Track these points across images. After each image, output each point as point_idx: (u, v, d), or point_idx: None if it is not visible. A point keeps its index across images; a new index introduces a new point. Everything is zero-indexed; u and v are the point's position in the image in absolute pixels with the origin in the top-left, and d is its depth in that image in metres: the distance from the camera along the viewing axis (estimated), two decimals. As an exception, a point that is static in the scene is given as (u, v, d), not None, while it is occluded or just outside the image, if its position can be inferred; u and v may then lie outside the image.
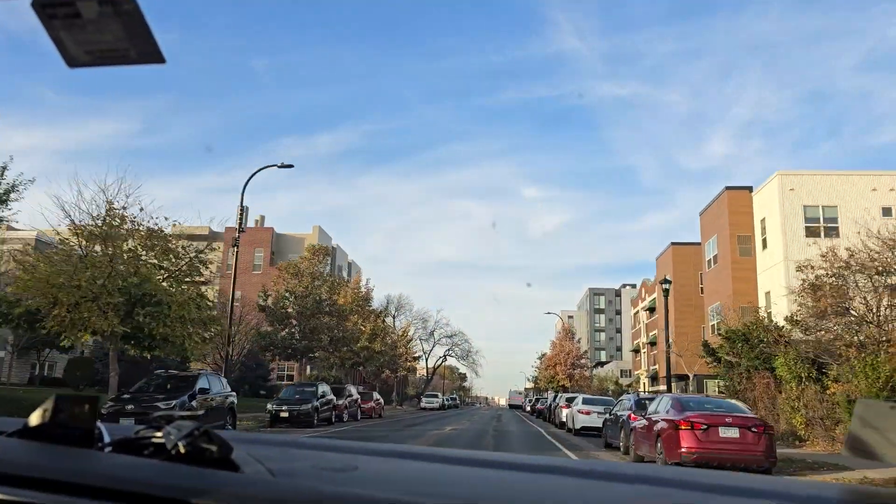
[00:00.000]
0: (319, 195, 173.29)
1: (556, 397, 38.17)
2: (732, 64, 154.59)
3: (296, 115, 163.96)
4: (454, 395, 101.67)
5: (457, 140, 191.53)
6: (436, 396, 69.44)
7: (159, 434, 1.03)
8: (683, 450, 12.99)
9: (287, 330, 45.01)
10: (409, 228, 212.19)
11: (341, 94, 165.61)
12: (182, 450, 0.96)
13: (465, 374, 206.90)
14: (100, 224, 21.23)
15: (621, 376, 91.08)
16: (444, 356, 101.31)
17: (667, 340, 32.62)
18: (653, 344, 63.02)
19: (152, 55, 0.81)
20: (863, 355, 17.85)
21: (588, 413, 26.29)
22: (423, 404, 67.69)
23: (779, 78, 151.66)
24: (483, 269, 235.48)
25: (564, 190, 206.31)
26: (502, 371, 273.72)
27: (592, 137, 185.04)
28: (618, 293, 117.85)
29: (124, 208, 21.81)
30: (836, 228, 32.19)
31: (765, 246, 35.20)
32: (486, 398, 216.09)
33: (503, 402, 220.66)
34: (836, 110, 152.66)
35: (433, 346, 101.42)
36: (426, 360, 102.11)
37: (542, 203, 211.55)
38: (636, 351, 69.53)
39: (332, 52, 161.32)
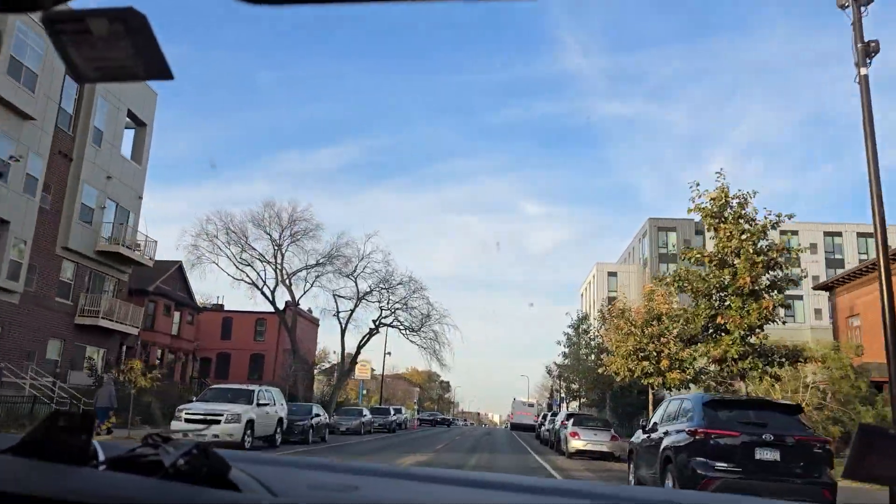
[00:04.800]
0: (319, 209, 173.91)
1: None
2: (736, 85, 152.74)
3: (299, 129, 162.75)
4: (389, 408, 49.87)
5: (459, 156, 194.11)
6: (225, 395, 18.50)
7: (156, 452, 1.01)
8: None
9: None
10: (408, 242, 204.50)
11: (345, 108, 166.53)
12: (179, 468, 0.94)
13: (447, 381, 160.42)
14: None
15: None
16: (377, 324, 50.03)
17: None
18: None
19: (161, 72, 0.81)
20: None
21: None
22: (178, 423, 16.93)
23: (781, 100, 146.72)
24: (480, 284, 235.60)
25: (565, 206, 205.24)
26: (501, 387, 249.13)
27: (595, 155, 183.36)
28: (699, 228, 67.05)
29: None
30: None
31: None
32: (478, 414, 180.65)
33: (497, 419, 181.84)
34: (838, 133, 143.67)
35: (357, 303, 50.39)
36: (342, 330, 50.84)
37: (543, 219, 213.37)
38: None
39: (336, 67, 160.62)
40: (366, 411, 36.96)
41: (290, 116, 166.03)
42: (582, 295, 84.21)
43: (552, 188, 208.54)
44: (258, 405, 19.06)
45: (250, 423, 18.15)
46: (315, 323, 60.41)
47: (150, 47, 0.77)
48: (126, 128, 34.38)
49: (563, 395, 54.09)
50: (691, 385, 22.99)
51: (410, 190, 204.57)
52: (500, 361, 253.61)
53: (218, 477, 0.94)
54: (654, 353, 21.93)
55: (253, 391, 19.40)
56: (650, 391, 23.36)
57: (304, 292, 48.35)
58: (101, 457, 1.06)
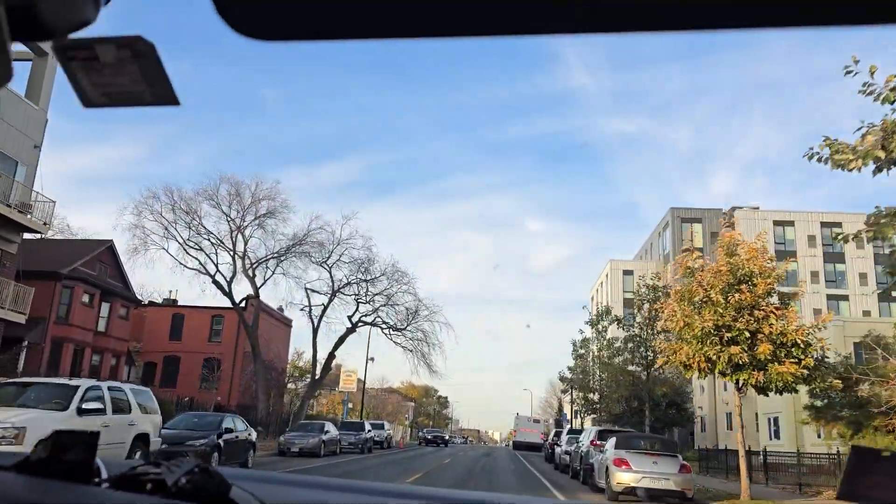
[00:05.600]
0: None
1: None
2: (738, 102, 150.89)
3: (300, 145, 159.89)
4: (363, 423, 41.63)
5: (462, 173, 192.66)
6: (26, 395, 10.29)
7: (158, 470, 1.01)
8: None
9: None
10: (409, 259, 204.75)
11: (348, 125, 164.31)
12: (181, 487, 0.96)
13: (445, 396, 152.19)
14: None
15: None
16: (353, 321, 41.82)
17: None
18: None
19: (167, 98, 0.83)
20: None
21: None
22: None
23: (782, 117, 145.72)
24: (480, 301, 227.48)
25: (567, 223, 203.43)
26: (501, 404, 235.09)
27: (597, 171, 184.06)
28: (729, 221, 58.97)
29: None
30: None
31: None
32: (478, 432, 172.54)
33: (498, 437, 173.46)
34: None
35: (332, 297, 42.15)
36: (314, 329, 42.45)
37: (545, 236, 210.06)
38: None
39: (338, 83, 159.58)
40: (329, 427, 28.69)
41: (292, 132, 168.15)
42: (592, 298, 75.92)
43: (554, 205, 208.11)
44: (80, 412, 10.88)
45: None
46: (287, 324, 52.22)
47: (157, 74, 0.78)
48: (18, 59, 26.50)
49: (577, 408, 45.73)
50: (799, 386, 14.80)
51: (413, 206, 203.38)
52: (500, 378, 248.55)
53: (220, 496, 0.94)
54: (747, 334, 13.81)
55: (76, 388, 11.22)
56: (738, 393, 15.00)
57: (265, 280, 40.14)
58: (104, 475, 1.06)
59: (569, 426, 33.02)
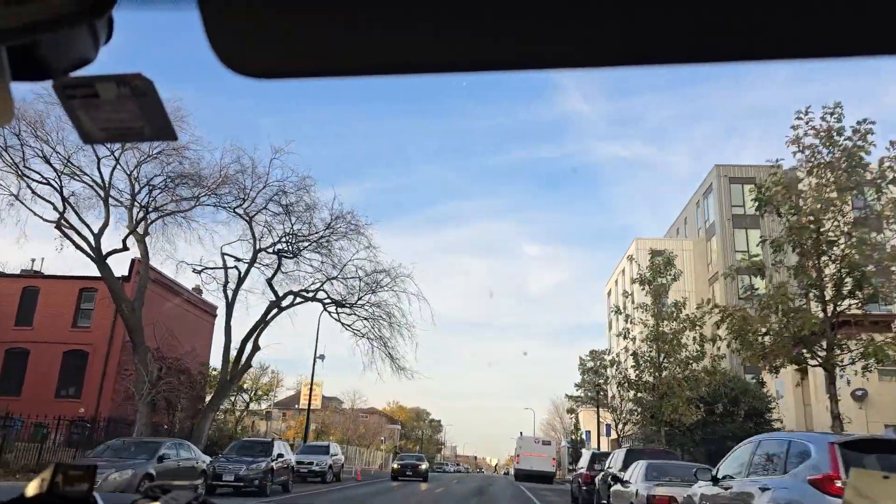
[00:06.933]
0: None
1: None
2: (733, 128, 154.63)
3: (297, 171, 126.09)
4: (271, 443, 27.51)
5: (460, 198, 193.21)
6: None
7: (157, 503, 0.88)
8: None
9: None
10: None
11: (344, 151, 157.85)
12: None
13: (437, 420, 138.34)
14: None
15: None
16: (281, 295, 28.16)
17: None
18: None
19: (166, 133, 0.86)
20: None
21: None
22: None
23: (777, 141, 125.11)
24: (479, 327, 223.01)
25: (564, 248, 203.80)
26: (499, 428, 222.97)
27: (595, 196, 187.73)
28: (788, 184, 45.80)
29: None
30: None
31: None
32: (475, 458, 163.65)
33: (496, 463, 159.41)
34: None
35: (254, 258, 28.52)
36: (228, 305, 28.52)
37: (542, 261, 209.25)
38: None
39: (339, 110, 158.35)
40: (172, 449, 15.19)
41: (289, 158, 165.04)
42: (609, 293, 62.63)
43: (551, 230, 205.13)
44: None
45: None
46: (209, 311, 38.68)
47: (156, 110, 0.80)
48: None
49: (615, 419, 32.07)
50: None
51: (410, 232, 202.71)
52: (497, 403, 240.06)
53: None
54: None
55: None
56: None
57: (137, 224, 26.67)
58: None
59: (624, 447, 19.89)
